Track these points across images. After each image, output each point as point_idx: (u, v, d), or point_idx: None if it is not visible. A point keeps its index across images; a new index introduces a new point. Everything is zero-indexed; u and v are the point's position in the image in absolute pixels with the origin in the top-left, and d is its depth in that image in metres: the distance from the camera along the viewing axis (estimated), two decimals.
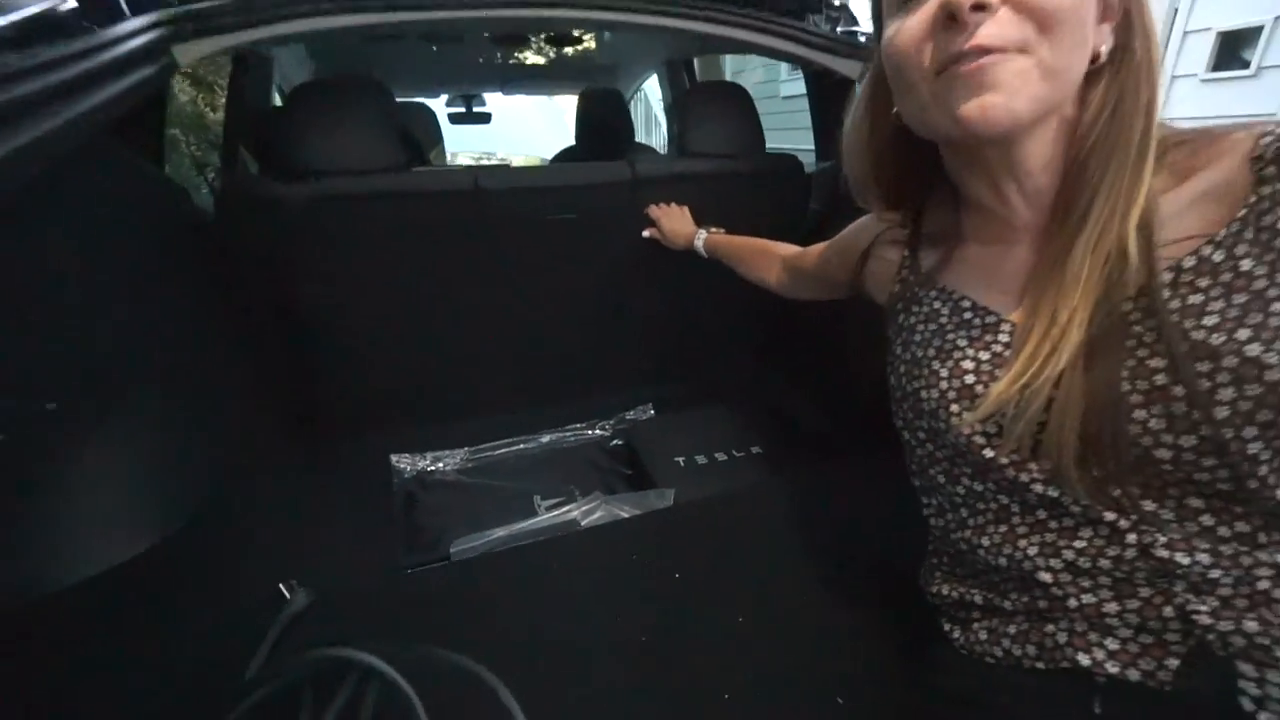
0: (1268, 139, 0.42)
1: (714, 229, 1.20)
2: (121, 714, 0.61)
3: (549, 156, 2.57)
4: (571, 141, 2.20)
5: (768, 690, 0.71)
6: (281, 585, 0.81)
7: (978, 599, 0.56)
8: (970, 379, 0.52)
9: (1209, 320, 0.41)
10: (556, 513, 1.17)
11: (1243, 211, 0.42)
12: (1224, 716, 0.42)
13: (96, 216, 0.72)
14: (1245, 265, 0.41)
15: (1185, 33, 2.26)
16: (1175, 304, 0.43)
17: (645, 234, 1.28)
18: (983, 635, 0.56)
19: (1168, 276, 0.43)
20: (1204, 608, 0.43)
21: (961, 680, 0.57)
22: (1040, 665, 0.50)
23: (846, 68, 1.24)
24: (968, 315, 0.55)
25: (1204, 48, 2.21)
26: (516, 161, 4.38)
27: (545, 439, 1.47)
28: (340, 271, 1.15)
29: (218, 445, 0.92)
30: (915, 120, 0.51)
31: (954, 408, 0.52)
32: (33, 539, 0.57)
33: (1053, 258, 0.47)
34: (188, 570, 0.76)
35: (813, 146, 1.62)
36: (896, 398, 0.61)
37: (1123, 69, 0.45)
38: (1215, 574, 0.43)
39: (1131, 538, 0.45)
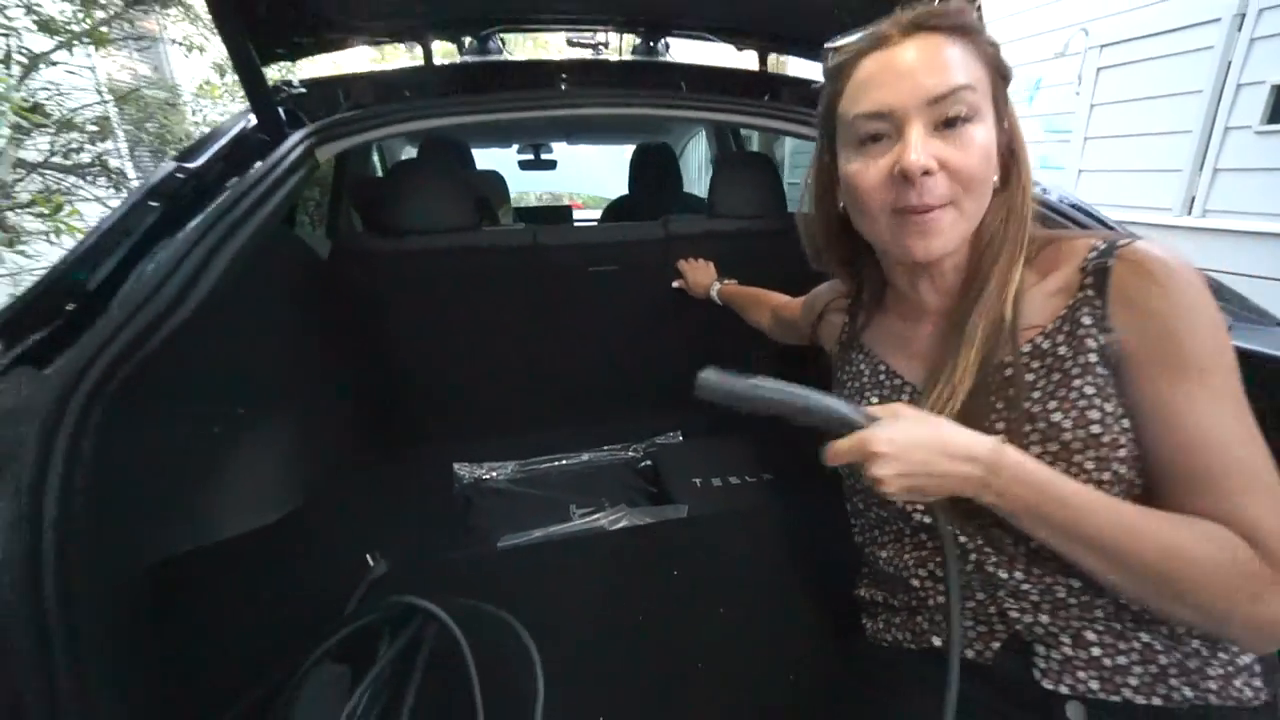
0: (1093, 252, 0.59)
1: (728, 281, 1.40)
2: (255, 631, 0.86)
3: (608, 195, 2.82)
4: (625, 188, 2.46)
5: (733, 666, 0.90)
6: (368, 555, 1.06)
7: (880, 598, 0.73)
8: None
9: (1035, 394, 0.58)
10: (587, 519, 1.40)
11: (1064, 310, 0.59)
12: (1021, 682, 0.58)
13: (256, 276, 1.01)
14: (1061, 351, 0.58)
15: (1239, 85, 2.28)
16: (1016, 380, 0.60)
17: (674, 285, 1.50)
18: (880, 626, 0.73)
19: (1010, 358, 0.60)
20: (1016, 608, 0.60)
21: (867, 662, 0.74)
22: (912, 647, 0.67)
23: None
24: (882, 378, 0.73)
25: (1259, 100, 2.22)
26: (580, 199, 4.74)
27: (585, 457, 1.70)
28: (422, 311, 1.43)
29: (324, 447, 1.20)
30: (868, 235, 0.66)
31: None
32: (220, 502, 0.84)
33: (955, 324, 0.64)
34: (303, 539, 1.02)
35: None
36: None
37: (1009, 190, 0.62)
38: (1026, 587, 0.59)
39: (973, 557, 0.62)
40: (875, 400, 0.71)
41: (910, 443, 0.52)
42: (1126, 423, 0.55)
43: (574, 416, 1.73)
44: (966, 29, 0.59)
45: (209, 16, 0.96)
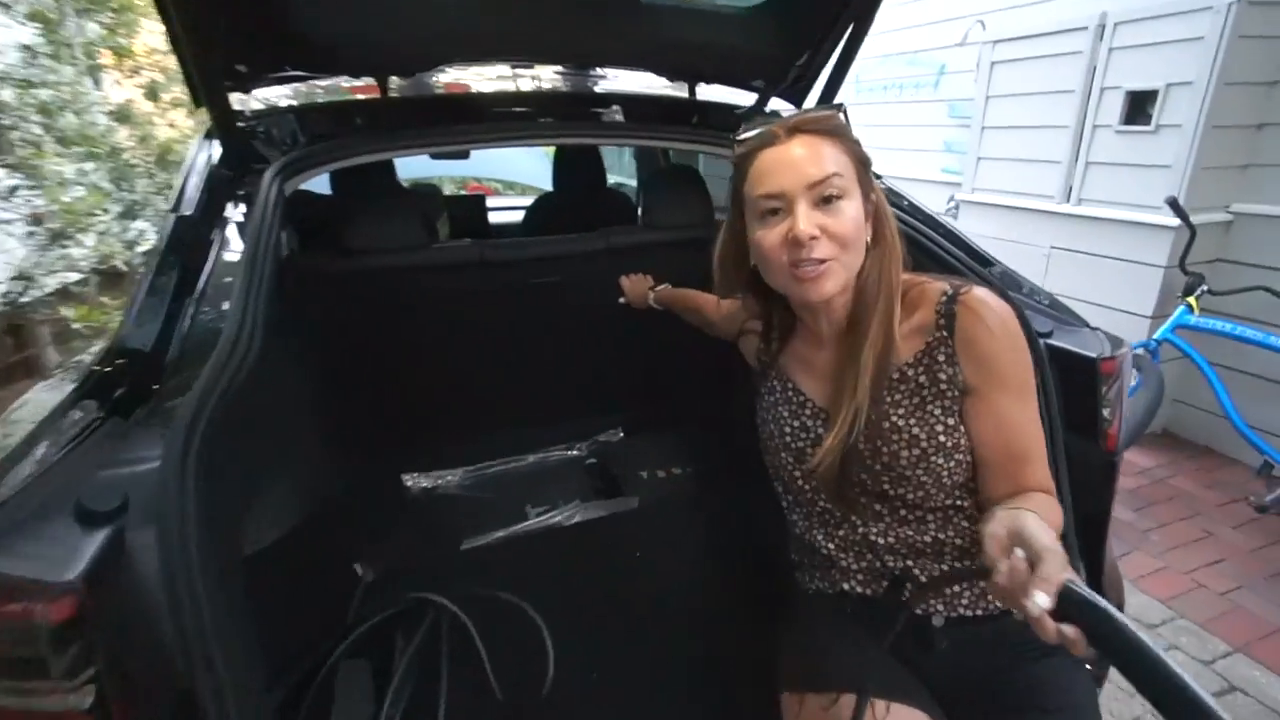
0: (944, 297, 0.90)
1: (662, 286, 1.66)
2: (280, 630, 1.07)
3: (520, 179, 2.97)
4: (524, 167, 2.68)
5: (679, 619, 1.21)
6: (355, 565, 1.28)
7: (806, 560, 1.05)
8: (789, 439, 0.99)
9: (899, 412, 0.88)
10: (544, 518, 1.65)
11: (924, 347, 0.90)
12: (898, 608, 0.92)
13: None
14: (921, 380, 0.88)
15: (1102, 89, 2.81)
16: (889, 398, 0.91)
17: (620, 301, 1.74)
18: (806, 578, 1.04)
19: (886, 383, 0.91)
20: (892, 561, 0.92)
21: (796, 607, 1.06)
22: (829, 591, 0.99)
23: None
24: (791, 395, 1.01)
25: (1117, 103, 2.76)
26: (489, 184, 4.89)
27: (530, 459, 1.94)
28: (370, 327, 1.61)
29: (304, 466, 1.39)
30: (774, 285, 0.91)
31: (783, 455, 1.00)
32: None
33: (849, 354, 0.93)
34: (303, 553, 1.22)
35: None
36: (760, 442, 1.09)
37: (879, 247, 0.90)
38: (894, 543, 0.90)
39: (860, 530, 0.92)
40: (787, 416, 1.01)
41: None
42: (963, 429, 0.87)
43: (519, 420, 1.96)
44: (834, 130, 0.86)
45: (170, 48, 1.08)
